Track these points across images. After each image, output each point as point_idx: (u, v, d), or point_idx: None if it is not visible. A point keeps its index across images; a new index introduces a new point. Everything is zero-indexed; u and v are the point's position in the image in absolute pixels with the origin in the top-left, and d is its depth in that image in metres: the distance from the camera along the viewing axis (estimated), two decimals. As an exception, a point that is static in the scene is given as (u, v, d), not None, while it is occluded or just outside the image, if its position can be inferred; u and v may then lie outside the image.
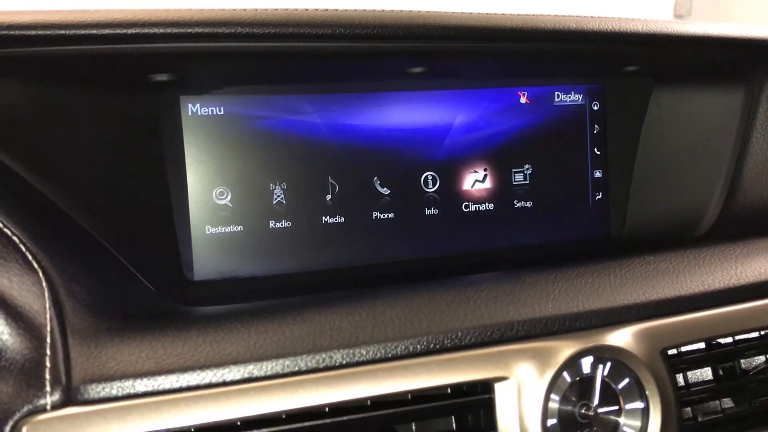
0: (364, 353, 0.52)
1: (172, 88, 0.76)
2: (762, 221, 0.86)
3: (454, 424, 0.54)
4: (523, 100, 0.94)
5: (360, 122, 0.87)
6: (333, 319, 0.56)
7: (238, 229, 0.82)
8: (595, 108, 0.98)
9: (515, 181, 0.94)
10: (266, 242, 0.84)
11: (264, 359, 0.50)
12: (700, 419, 0.60)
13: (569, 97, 0.97)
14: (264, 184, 0.83)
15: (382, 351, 0.53)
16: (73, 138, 0.67)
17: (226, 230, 0.82)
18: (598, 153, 0.99)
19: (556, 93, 0.96)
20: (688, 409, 0.60)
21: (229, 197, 0.83)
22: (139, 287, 0.66)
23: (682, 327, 0.60)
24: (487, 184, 0.93)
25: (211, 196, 0.81)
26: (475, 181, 0.92)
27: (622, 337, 0.57)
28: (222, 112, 0.82)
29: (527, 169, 0.95)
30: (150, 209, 0.77)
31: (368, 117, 0.87)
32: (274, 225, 0.84)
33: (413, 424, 0.53)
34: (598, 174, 1.00)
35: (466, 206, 0.92)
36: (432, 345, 0.54)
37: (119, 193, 0.72)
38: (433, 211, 0.90)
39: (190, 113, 0.81)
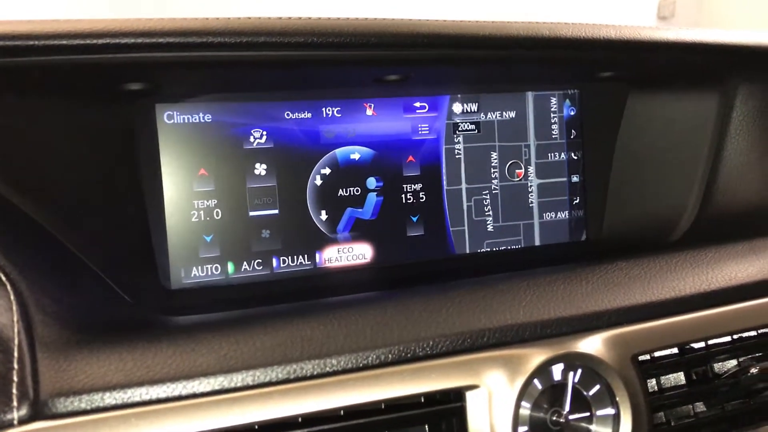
0: (336, 363, 0.52)
1: (146, 97, 0.76)
2: (736, 225, 0.87)
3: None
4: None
5: (339, 129, 0.88)
6: (304, 329, 0.56)
7: (216, 236, 0.83)
8: (572, 113, 0.99)
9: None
10: (244, 250, 0.84)
11: (234, 371, 0.50)
12: (672, 424, 0.61)
13: (546, 103, 0.98)
14: (242, 192, 0.83)
15: (354, 361, 0.53)
16: (47, 148, 0.66)
17: (204, 238, 0.82)
18: (575, 158, 1.00)
19: (533, 99, 0.97)
20: (661, 414, 0.61)
21: (206, 204, 0.83)
22: (114, 298, 0.66)
23: (653, 333, 0.60)
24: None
25: (188, 203, 0.82)
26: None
27: (592, 344, 0.57)
28: (198, 120, 0.82)
29: (506, 174, 0.96)
30: (125, 218, 0.77)
31: (349, 125, 0.88)
32: (253, 232, 0.85)
33: (387, 434, 0.54)
34: (575, 179, 1.01)
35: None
36: (404, 354, 0.54)
37: (93, 202, 0.72)
38: (416, 218, 0.91)
39: (165, 121, 0.81)
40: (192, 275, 0.83)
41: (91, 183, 0.72)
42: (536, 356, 0.55)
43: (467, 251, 0.95)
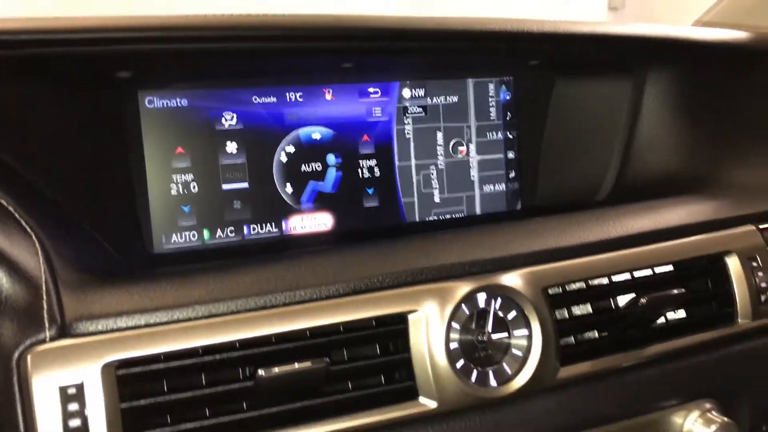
0: (303, 294, 0.65)
1: (130, 84, 0.87)
2: (649, 189, 1.01)
3: (378, 350, 0.68)
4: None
5: (301, 111, 0.99)
6: (276, 269, 0.68)
7: (192, 207, 0.94)
8: (507, 98, 1.12)
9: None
10: (218, 219, 0.96)
11: (221, 300, 0.62)
12: (578, 345, 0.75)
13: (484, 89, 1.11)
14: (215, 167, 0.94)
15: (318, 293, 0.65)
16: (48, 131, 0.77)
17: (182, 208, 0.93)
18: (511, 137, 1.13)
19: (473, 85, 1.10)
20: (570, 337, 0.75)
21: (183, 178, 0.94)
22: (110, 258, 0.77)
23: (560, 271, 0.74)
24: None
25: (168, 177, 0.93)
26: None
27: (511, 279, 0.71)
28: (175, 105, 0.93)
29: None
30: (114, 191, 0.88)
31: (310, 108, 1.00)
32: (225, 203, 0.96)
33: (345, 351, 0.66)
34: (511, 155, 1.14)
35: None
36: (358, 287, 0.67)
37: (86, 177, 0.83)
38: (371, 191, 1.03)
39: (147, 106, 0.91)
40: (172, 241, 0.94)
41: (83, 161, 0.83)
42: (464, 287, 0.68)
43: (417, 220, 1.08)
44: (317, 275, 0.67)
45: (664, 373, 0.77)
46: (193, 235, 0.95)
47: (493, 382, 0.69)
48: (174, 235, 0.94)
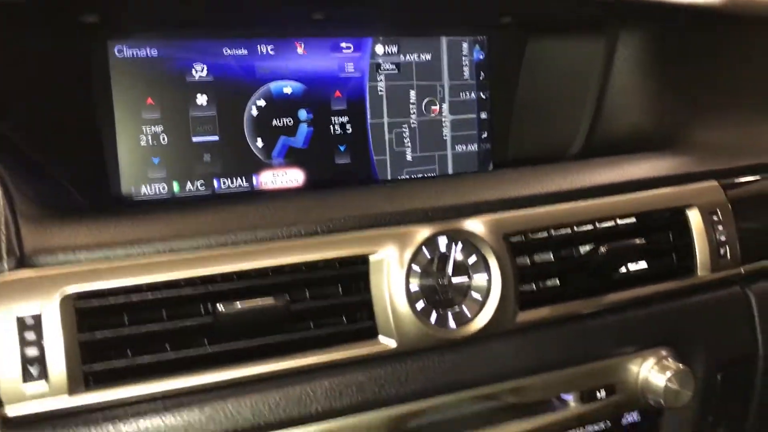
0: (265, 234, 0.65)
1: (99, 32, 0.86)
2: (619, 147, 1.02)
3: (340, 290, 0.68)
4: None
5: (273, 65, 0.99)
6: (240, 210, 0.69)
7: (162, 159, 0.94)
8: (481, 57, 1.13)
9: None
10: (188, 172, 0.96)
11: (182, 237, 0.62)
12: (538, 291, 0.76)
13: (458, 47, 1.11)
14: (185, 119, 0.94)
15: (281, 233, 0.66)
16: (16, 76, 0.76)
17: (152, 160, 0.93)
18: (484, 97, 1.14)
19: (447, 43, 1.10)
20: (532, 285, 0.76)
21: (153, 130, 0.94)
22: (75, 200, 0.77)
23: (522, 218, 0.75)
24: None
25: (137, 128, 0.92)
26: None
27: (472, 225, 0.72)
28: (145, 55, 0.93)
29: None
30: (81, 142, 0.87)
31: (281, 61, 0.99)
32: (195, 156, 0.96)
33: (306, 291, 0.67)
34: (483, 115, 1.15)
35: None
36: (321, 228, 0.67)
37: (54, 124, 0.82)
38: (343, 147, 1.04)
39: (116, 55, 0.91)
40: (142, 193, 0.94)
41: (51, 108, 0.82)
42: (425, 231, 0.69)
43: (389, 177, 1.08)
44: (280, 216, 0.67)
45: (623, 320, 0.79)
46: (163, 188, 0.95)
47: (452, 324, 0.70)
48: (143, 186, 0.94)
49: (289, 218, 0.67)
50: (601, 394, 0.78)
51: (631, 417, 0.83)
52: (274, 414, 0.63)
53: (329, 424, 0.66)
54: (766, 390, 0.90)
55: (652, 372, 0.79)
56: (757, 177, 0.94)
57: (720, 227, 0.86)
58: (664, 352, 0.80)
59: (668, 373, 0.77)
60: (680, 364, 0.78)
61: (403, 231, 0.69)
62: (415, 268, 0.69)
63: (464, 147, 1.14)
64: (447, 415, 0.75)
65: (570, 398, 0.78)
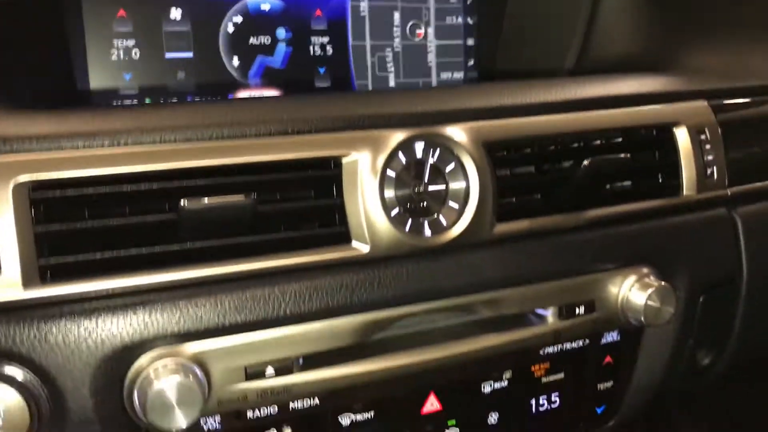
0: (233, 131, 0.62)
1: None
2: (609, 69, 0.98)
3: (312, 194, 0.66)
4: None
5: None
6: (209, 109, 0.66)
7: (134, 75, 0.90)
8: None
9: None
10: (161, 89, 0.92)
11: (146, 131, 0.59)
12: (517, 203, 0.74)
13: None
14: (158, 34, 0.90)
15: (249, 130, 0.63)
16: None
17: (123, 75, 0.90)
18: (471, 22, 1.10)
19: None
20: (512, 197, 0.74)
21: (125, 44, 0.90)
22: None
23: (503, 127, 0.72)
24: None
25: (108, 42, 0.89)
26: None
27: (451, 131, 0.69)
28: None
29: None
30: (48, 54, 0.84)
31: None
32: (168, 73, 0.93)
33: (276, 193, 0.64)
34: (470, 42, 1.11)
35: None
36: (291, 128, 0.64)
37: (21, 33, 0.78)
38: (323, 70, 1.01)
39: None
40: (113, 109, 0.91)
41: (18, 14, 0.78)
42: (400, 134, 0.66)
43: (371, 102, 1.05)
44: (251, 115, 0.64)
45: (605, 236, 0.77)
46: (135, 105, 0.92)
47: (427, 232, 0.68)
48: (113, 102, 0.91)
49: (260, 117, 0.64)
50: (580, 310, 0.76)
51: (611, 336, 0.81)
52: (239, 315, 0.61)
53: (297, 329, 0.64)
54: (748, 314, 0.89)
55: (633, 290, 0.77)
56: (748, 99, 0.91)
57: (708, 147, 0.84)
58: (645, 270, 0.78)
59: (649, 291, 0.76)
60: (662, 282, 0.77)
61: (378, 134, 0.66)
62: (390, 173, 0.66)
63: (450, 75, 1.11)
64: (420, 327, 0.73)
65: (548, 314, 0.76)
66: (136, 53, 0.92)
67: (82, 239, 0.58)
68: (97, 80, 0.90)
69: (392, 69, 1.07)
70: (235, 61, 0.97)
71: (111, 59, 0.90)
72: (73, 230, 0.57)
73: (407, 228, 0.67)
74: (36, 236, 0.56)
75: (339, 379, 0.66)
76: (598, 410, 0.85)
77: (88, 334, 0.57)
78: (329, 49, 1.02)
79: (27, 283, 0.55)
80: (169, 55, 0.93)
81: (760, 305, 0.89)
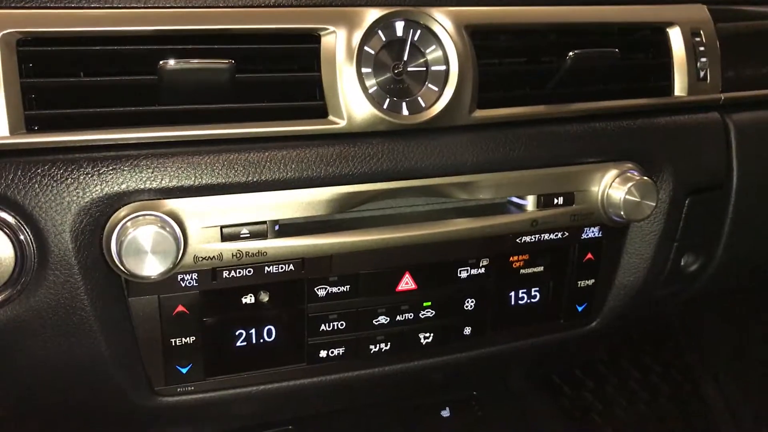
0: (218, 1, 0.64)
1: None
2: None
3: (291, 67, 0.67)
4: None
5: None
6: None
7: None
8: None
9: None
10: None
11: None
12: (503, 96, 0.74)
13: None
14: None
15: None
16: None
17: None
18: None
19: None
20: (495, 86, 0.74)
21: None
22: None
23: (488, 12, 0.72)
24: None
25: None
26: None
27: (432, 12, 0.69)
28: None
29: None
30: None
31: None
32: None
33: (255, 62, 0.66)
34: None
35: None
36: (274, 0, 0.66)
37: None
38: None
39: None
40: None
41: None
42: (379, 11, 0.67)
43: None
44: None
45: (589, 129, 0.77)
46: None
47: (405, 111, 0.69)
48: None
49: None
50: (559, 200, 0.77)
51: (592, 232, 0.82)
52: (216, 176, 0.64)
53: (272, 195, 0.66)
54: (737, 222, 0.88)
55: (614, 183, 0.78)
56: (750, 8, 0.90)
57: (702, 49, 0.83)
58: (629, 165, 0.79)
59: (629, 184, 0.76)
60: (644, 177, 0.77)
61: (357, 10, 0.67)
62: (369, 50, 0.67)
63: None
64: (399, 210, 0.75)
65: (526, 203, 0.77)
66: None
67: (66, 95, 0.61)
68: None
69: None
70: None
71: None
72: (58, 85, 0.60)
73: (385, 105, 0.68)
74: (23, 88, 0.59)
75: (313, 247, 0.69)
76: (579, 308, 0.86)
77: (71, 181, 0.60)
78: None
79: (14, 131, 0.59)
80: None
81: (749, 213, 0.89)
